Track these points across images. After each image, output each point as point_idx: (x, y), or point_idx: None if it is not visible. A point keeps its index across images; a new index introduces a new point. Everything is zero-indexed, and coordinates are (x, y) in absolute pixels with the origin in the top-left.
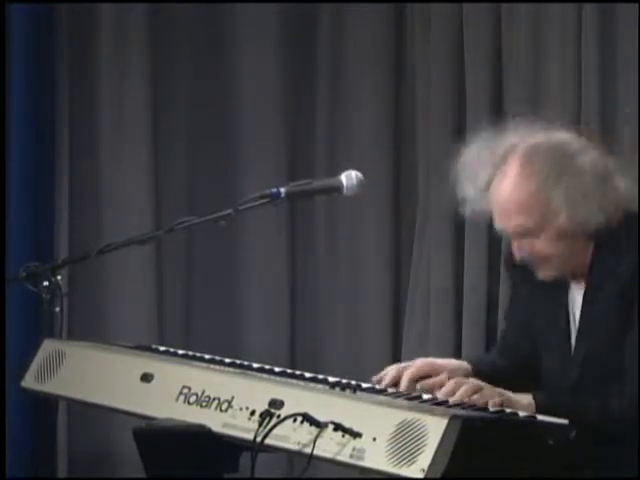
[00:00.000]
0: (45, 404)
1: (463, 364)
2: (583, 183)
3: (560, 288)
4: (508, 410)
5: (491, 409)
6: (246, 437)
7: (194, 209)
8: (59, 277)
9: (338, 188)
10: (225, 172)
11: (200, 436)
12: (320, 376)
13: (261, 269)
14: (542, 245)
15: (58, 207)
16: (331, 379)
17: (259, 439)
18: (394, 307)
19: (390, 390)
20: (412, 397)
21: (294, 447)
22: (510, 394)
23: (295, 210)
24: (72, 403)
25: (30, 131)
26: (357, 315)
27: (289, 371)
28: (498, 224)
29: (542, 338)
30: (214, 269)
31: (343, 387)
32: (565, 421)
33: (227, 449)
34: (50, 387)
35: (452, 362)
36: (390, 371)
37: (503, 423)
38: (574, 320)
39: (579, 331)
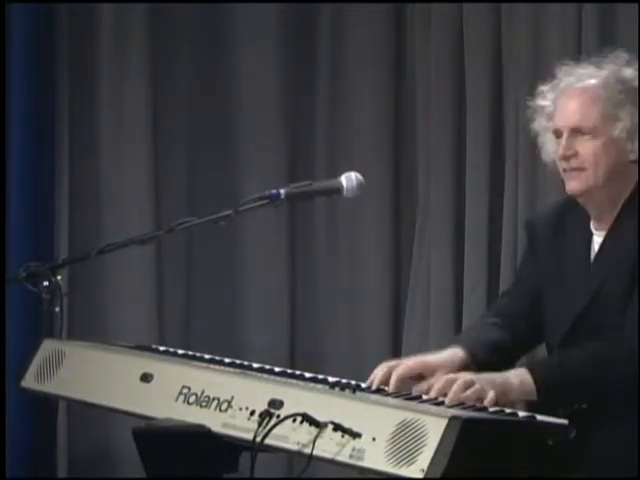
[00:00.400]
0: (45, 404)
1: (457, 355)
2: None
3: (583, 238)
4: (508, 410)
5: (491, 409)
6: (246, 437)
7: (194, 209)
8: (59, 277)
9: (338, 190)
10: (225, 172)
11: (200, 436)
12: (320, 376)
13: (261, 269)
14: (591, 147)
15: (58, 207)
16: (331, 379)
17: (259, 439)
18: (394, 307)
19: (389, 390)
20: (412, 397)
21: (294, 447)
22: (502, 379)
23: (295, 210)
24: (72, 403)
25: (30, 131)
26: (357, 315)
27: (289, 371)
28: (558, 122)
29: (557, 288)
30: (214, 269)
31: (343, 387)
32: (565, 421)
33: (227, 449)
34: (50, 387)
35: (444, 356)
36: (378, 372)
37: (503, 423)
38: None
39: (592, 273)
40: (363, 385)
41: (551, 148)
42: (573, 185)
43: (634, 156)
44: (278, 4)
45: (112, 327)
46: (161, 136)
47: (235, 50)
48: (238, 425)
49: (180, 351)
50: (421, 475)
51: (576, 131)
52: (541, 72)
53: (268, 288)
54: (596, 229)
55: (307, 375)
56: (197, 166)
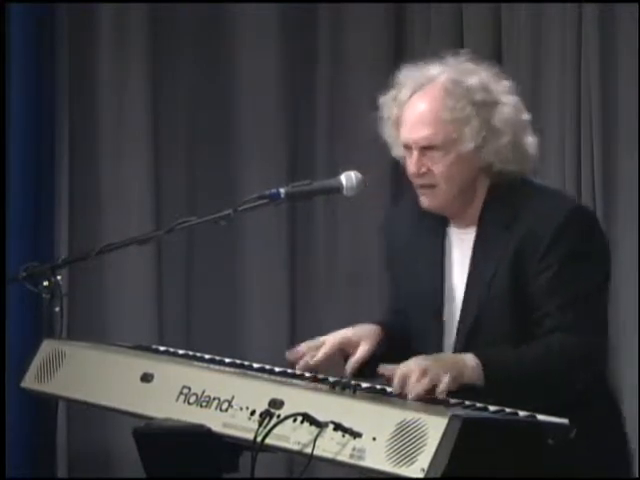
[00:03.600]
0: (45, 404)
1: (373, 329)
2: (498, 123)
3: (438, 234)
4: (508, 410)
5: (491, 408)
6: (246, 437)
7: (194, 209)
8: (59, 277)
9: (338, 189)
10: (225, 171)
11: (200, 436)
12: (320, 376)
13: (261, 269)
14: (442, 164)
15: (58, 207)
16: (331, 379)
17: (259, 439)
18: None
19: (389, 390)
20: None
21: (294, 447)
22: (454, 360)
23: (295, 210)
24: (72, 403)
25: (30, 131)
26: (357, 315)
27: (289, 371)
28: (406, 136)
29: (413, 286)
30: (214, 269)
31: (343, 387)
32: (565, 421)
33: (227, 449)
34: (50, 387)
35: (362, 329)
36: (301, 349)
37: (503, 423)
38: (449, 262)
39: (470, 274)
40: (364, 385)
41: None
42: (426, 201)
43: (486, 162)
44: (278, 4)
45: (112, 327)
46: (161, 136)
47: (235, 50)
48: (238, 425)
49: (180, 351)
50: (421, 475)
51: (426, 148)
52: (541, 72)
53: (268, 288)
54: (454, 225)
55: (307, 375)
56: (197, 166)
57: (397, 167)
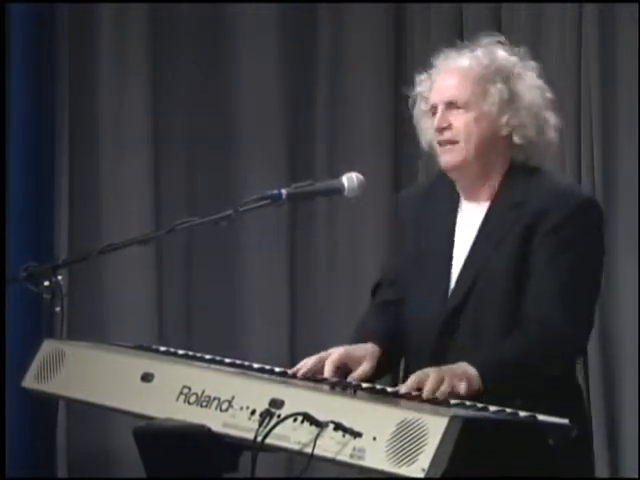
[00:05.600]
0: (45, 404)
1: (373, 348)
2: (522, 92)
3: (451, 208)
4: (508, 410)
5: (491, 408)
6: (246, 437)
7: (194, 209)
8: (59, 277)
9: (339, 190)
10: (225, 172)
11: (200, 436)
12: (320, 376)
13: (261, 269)
14: (464, 120)
15: (58, 207)
16: (331, 379)
17: (259, 439)
18: None
19: (390, 390)
20: (412, 397)
21: (294, 447)
22: (462, 370)
23: (295, 210)
24: (72, 403)
25: (30, 131)
26: (357, 315)
27: (289, 371)
28: (434, 98)
29: (420, 268)
30: (214, 269)
31: (343, 387)
32: (565, 421)
33: (227, 449)
34: (50, 387)
35: (364, 348)
36: (308, 361)
37: (503, 423)
38: (460, 235)
39: (473, 246)
40: (364, 385)
41: (428, 125)
42: (447, 158)
43: (506, 131)
44: (278, 4)
45: (112, 327)
46: (161, 136)
47: (235, 50)
48: (239, 425)
49: (180, 351)
50: (422, 475)
51: (450, 105)
52: (541, 72)
53: (268, 288)
54: (466, 200)
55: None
56: (197, 166)
57: (397, 167)
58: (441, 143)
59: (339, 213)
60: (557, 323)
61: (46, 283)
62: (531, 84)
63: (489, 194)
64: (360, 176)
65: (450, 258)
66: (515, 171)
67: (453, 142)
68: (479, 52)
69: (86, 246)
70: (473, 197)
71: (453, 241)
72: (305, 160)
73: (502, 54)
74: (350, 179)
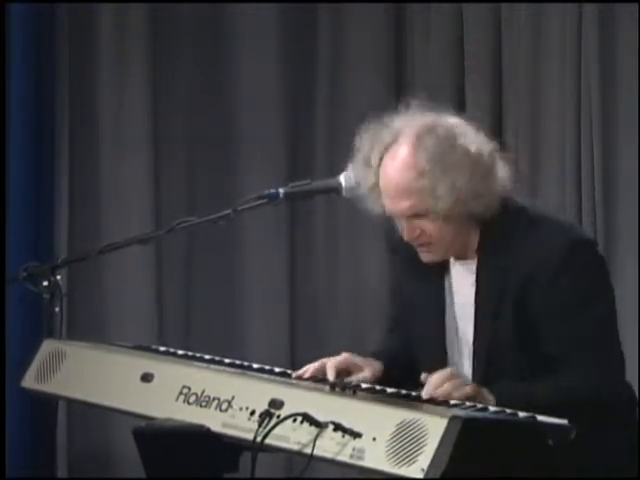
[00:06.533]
0: (45, 404)
1: (377, 362)
2: (468, 171)
3: (440, 271)
4: (508, 410)
5: (491, 409)
6: (246, 437)
7: (194, 209)
8: (59, 277)
9: (337, 189)
10: (225, 172)
11: (200, 436)
12: (320, 376)
13: (261, 269)
14: (431, 227)
15: (58, 207)
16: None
17: (259, 439)
18: None
19: (389, 390)
20: (412, 397)
21: (294, 447)
22: (476, 391)
23: (295, 210)
24: (72, 403)
25: (30, 131)
26: (357, 315)
27: (289, 371)
28: (391, 208)
29: (419, 319)
30: (214, 269)
31: (343, 387)
32: (565, 421)
33: (227, 449)
34: (50, 387)
35: (369, 359)
36: (311, 366)
37: (503, 423)
38: (451, 302)
39: (476, 304)
40: (364, 385)
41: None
42: (426, 257)
43: (469, 209)
44: (278, 4)
45: (112, 327)
46: (161, 136)
47: (235, 50)
48: (238, 425)
49: (180, 351)
50: (421, 475)
51: (412, 216)
52: (541, 72)
53: (268, 288)
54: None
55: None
56: (197, 166)
57: None
58: (416, 245)
59: (339, 213)
60: (587, 379)
61: (45, 283)
62: (473, 153)
63: (473, 249)
64: None
65: (443, 335)
66: (491, 220)
67: (428, 244)
68: (412, 146)
69: (86, 246)
70: (460, 258)
71: (444, 317)
72: (305, 160)
73: (433, 139)
74: (348, 178)
